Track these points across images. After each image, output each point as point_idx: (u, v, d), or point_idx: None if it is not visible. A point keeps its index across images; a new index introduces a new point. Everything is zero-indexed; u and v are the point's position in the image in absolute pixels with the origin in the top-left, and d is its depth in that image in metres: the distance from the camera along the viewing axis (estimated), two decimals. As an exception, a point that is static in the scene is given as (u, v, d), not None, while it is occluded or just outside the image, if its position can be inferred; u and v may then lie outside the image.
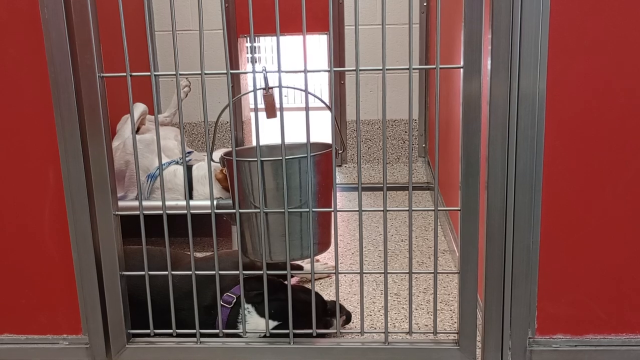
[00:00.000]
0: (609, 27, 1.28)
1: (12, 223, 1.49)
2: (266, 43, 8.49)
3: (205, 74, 1.38)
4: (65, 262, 1.49)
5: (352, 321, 1.73)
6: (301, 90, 1.42)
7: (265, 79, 1.51)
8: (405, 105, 3.54)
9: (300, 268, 2.09)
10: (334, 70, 1.37)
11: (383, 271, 1.48)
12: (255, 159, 1.46)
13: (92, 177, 1.42)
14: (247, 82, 3.70)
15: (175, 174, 2.25)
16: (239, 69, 3.51)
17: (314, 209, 1.50)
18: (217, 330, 1.55)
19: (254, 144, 1.45)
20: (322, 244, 1.60)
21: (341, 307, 1.68)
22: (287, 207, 1.46)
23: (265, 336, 1.55)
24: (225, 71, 1.39)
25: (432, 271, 1.47)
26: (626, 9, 1.27)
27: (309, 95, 1.41)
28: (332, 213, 1.52)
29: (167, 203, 1.50)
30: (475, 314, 1.45)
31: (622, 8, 1.27)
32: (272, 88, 1.53)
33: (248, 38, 3.52)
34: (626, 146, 1.33)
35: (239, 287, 1.56)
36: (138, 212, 1.47)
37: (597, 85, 1.31)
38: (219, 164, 1.64)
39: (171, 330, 1.54)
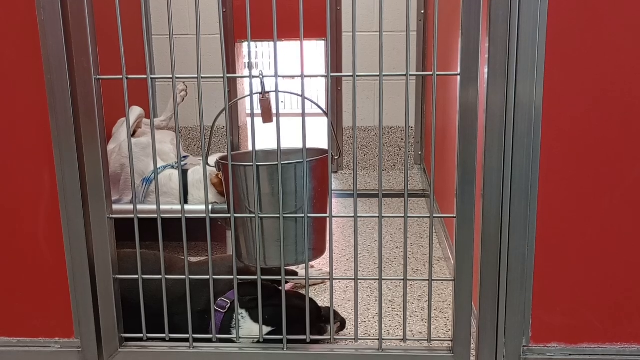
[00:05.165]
0: (606, 35, 1.28)
1: (6, 225, 1.48)
2: (264, 48, 8.50)
3: (202, 78, 1.38)
4: (58, 264, 1.48)
5: (346, 328, 1.72)
6: (298, 95, 1.42)
7: (262, 83, 1.51)
8: (402, 112, 3.55)
9: (295, 274, 2.08)
10: (331, 76, 1.38)
11: (378, 278, 1.47)
12: (251, 164, 1.46)
13: (87, 180, 1.42)
14: (243, 87, 3.70)
15: (170, 178, 2.24)
16: (236, 74, 3.51)
17: (309, 215, 1.50)
18: (210, 335, 1.55)
19: (250, 148, 1.45)
20: (317, 250, 1.59)
21: (335, 313, 1.68)
22: (282, 213, 1.46)
23: (258, 342, 1.54)
24: (222, 75, 1.39)
25: (427, 278, 1.46)
26: (623, 17, 1.27)
27: (306, 101, 1.41)
28: (327, 219, 1.52)
29: (162, 207, 1.50)
30: (470, 321, 1.45)
31: (619, 17, 1.27)
32: (268, 93, 1.53)
33: (245, 43, 3.52)
34: (623, 155, 1.33)
35: (233, 292, 1.55)
36: (132, 216, 1.47)
37: (594, 93, 1.31)
38: (214, 169, 1.64)
39: (164, 335, 1.53)
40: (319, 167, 1.53)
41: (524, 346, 1.44)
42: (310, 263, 1.79)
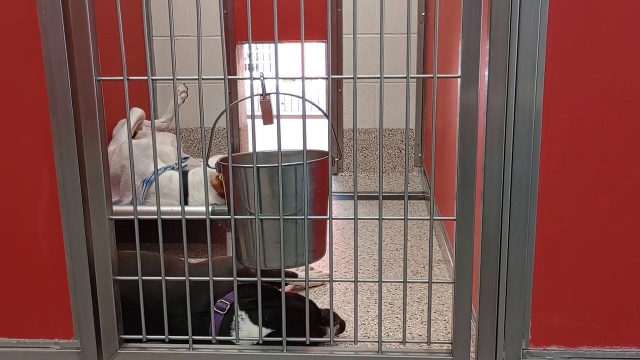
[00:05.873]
0: (606, 36, 1.29)
1: (6, 225, 1.48)
2: (264, 50, 8.50)
3: (203, 79, 1.38)
4: (58, 265, 1.48)
5: (345, 330, 1.72)
6: (298, 97, 1.42)
7: (263, 85, 1.51)
8: (402, 114, 3.55)
9: (295, 275, 2.08)
10: (332, 78, 1.38)
11: (377, 280, 1.47)
12: (252, 166, 1.46)
13: (87, 181, 1.42)
14: (244, 88, 3.70)
15: (170, 180, 2.24)
16: (236, 76, 3.51)
17: (309, 217, 1.50)
18: (210, 337, 1.54)
19: (251, 150, 1.45)
20: (317, 252, 1.59)
21: (335, 315, 1.67)
22: (282, 214, 1.46)
23: (258, 343, 1.54)
24: (222, 77, 1.39)
25: (427, 281, 1.46)
26: (624, 19, 1.28)
27: (306, 103, 1.41)
28: (327, 221, 1.52)
29: (162, 208, 1.50)
30: (470, 324, 1.44)
31: (619, 18, 1.28)
32: (269, 94, 1.53)
33: (246, 45, 3.52)
34: (623, 155, 1.33)
35: (232, 294, 1.55)
36: (133, 217, 1.46)
37: (594, 95, 1.31)
38: (214, 170, 1.64)
39: (164, 336, 1.53)
40: (319, 169, 1.53)
41: (523, 349, 1.44)
42: (310, 265, 1.79)
